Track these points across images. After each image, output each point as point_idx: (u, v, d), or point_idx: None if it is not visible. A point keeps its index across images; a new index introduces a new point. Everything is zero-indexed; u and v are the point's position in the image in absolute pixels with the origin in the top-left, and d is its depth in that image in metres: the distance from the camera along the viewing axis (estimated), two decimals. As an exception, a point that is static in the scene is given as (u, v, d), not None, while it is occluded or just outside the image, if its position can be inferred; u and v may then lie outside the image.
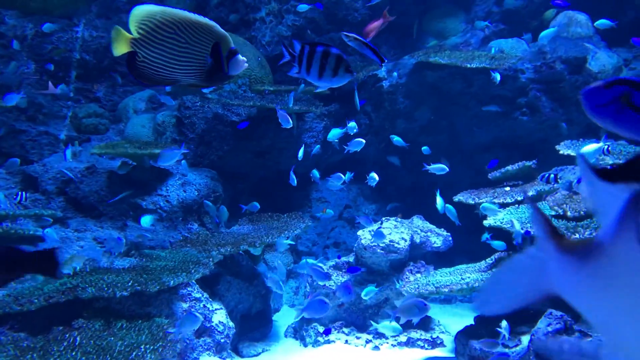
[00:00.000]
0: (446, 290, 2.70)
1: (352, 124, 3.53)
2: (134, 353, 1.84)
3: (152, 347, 1.90)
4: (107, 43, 4.64)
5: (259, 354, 3.26)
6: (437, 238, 3.51)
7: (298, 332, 3.50)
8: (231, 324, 2.90)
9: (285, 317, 3.79)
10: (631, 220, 0.49)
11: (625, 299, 0.52)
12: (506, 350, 2.42)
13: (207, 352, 2.73)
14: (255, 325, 3.50)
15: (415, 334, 3.26)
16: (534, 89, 4.10)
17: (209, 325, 2.78)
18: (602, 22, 3.83)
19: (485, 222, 2.88)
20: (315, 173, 3.59)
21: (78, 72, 4.55)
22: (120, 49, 1.45)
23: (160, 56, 1.45)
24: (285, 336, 3.53)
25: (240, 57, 1.54)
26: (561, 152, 2.89)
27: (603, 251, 0.54)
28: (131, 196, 3.48)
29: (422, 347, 3.23)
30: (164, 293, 2.54)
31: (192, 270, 2.27)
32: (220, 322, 2.82)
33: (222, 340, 2.83)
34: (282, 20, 4.90)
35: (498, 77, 3.76)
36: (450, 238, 3.56)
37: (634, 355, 0.54)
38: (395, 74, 4.42)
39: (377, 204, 4.70)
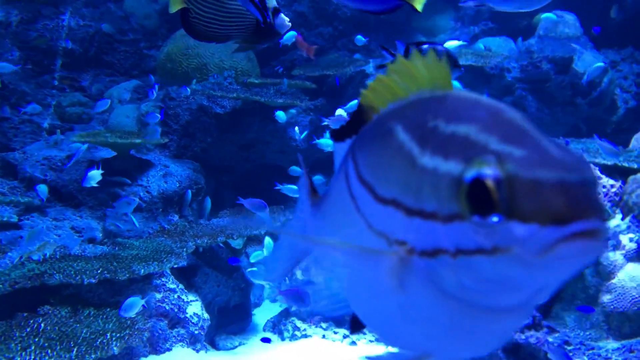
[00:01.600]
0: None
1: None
2: (99, 340, 1.82)
3: (118, 335, 1.88)
4: (94, 32, 4.61)
5: (236, 347, 3.25)
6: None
7: (277, 326, 3.49)
8: (206, 315, 2.88)
9: (265, 312, 3.77)
10: (344, 163, 0.57)
11: (334, 228, 0.60)
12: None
13: (181, 344, 2.71)
14: (233, 318, 3.49)
15: (393, 330, 3.25)
16: (519, 88, 4.09)
17: (183, 316, 2.76)
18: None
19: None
20: (296, 168, 3.57)
21: (64, 61, 4.51)
22: (175, 5, 1.51)
23: (211, 11, 1.52)
24: (264, 330, 3.51)
25: (283, 15, 1.57)
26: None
27: (326, 195, 0.63)
28: (111, 186, 3.46)
29: (399, 343, 3.22)
30: (136, 283, 2.52)
31: (164, 260, 2.25)
32: (195, 313, 2.80)
33: (197, 332, 2.81)
34: (271, 14, 4.88)
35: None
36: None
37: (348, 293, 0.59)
38: (381, 70, 4.41)
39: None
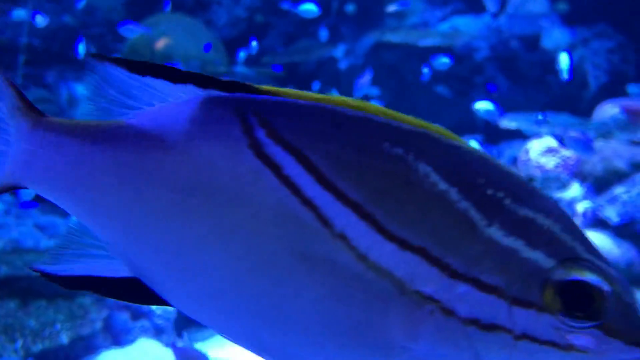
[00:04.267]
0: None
1: None
2: (48, 330, 1.76)
3: (68, 325, 1.82)
4: (56, 27, 4.52)
5: (207, 339, 3.20)
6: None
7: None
8: (172, 307, 2.81)
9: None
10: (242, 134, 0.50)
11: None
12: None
13: (145, 336, 2.65)
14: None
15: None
16: (489, 67, 4.06)
17: (147, 309, 2.70)
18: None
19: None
20: None
21: (26, 58, 4.42)
22: None
23: None
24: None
25: None
26: (504, 125, 2.85)
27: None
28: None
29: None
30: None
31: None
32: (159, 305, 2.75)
33: (162, 324, 2.76)
34: (239, 1, 4.82)
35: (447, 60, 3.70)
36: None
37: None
38: (351, 54, 4.36)
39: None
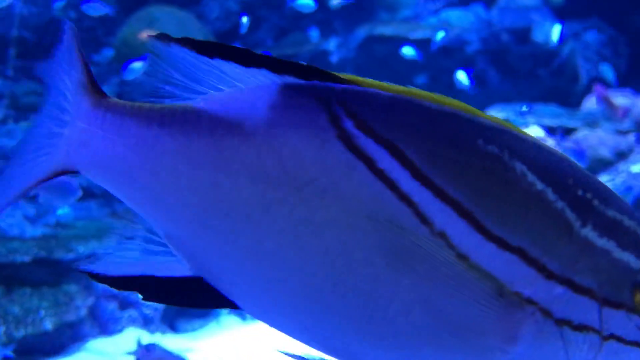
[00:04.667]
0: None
1: None
2: (31, 317, 1.76)
3: (53, 311, 1.82)
4: (48, 19, 4.51)
5: (196, 329, 3.21)
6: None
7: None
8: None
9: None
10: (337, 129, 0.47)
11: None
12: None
13: (133, 325, 2.66)
14: (196, 302, 3.44)
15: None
16: (480, 60, 4.06)
17: (135, 298, 2.70)
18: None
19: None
20: None
21: (17, 50, 4.41)
22: None
23: None
24: (228, 313, 3.48)
25: None
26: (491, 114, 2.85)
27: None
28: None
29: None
30: (80, 262, 2.45)
31: (105, 238, 2.19)
32: (148, 295, 2.75)
33: (150, 314, 2.76)
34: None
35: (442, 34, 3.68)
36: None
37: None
38: (343, 47, 4.36)
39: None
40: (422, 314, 0.44)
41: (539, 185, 0.45)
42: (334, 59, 4.42)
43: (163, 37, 0.46)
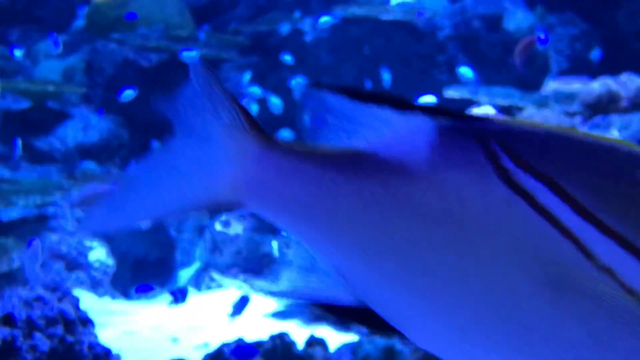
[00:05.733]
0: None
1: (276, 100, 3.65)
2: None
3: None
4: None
5: (149, 298, 3.22)
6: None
7: (196, 280, 3.47)
8: (111, 262, 2.83)
9: (192, 272, 3.74)
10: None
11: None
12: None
13: (80, 287, 2.67)
14: (152, 273, 3.45)
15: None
16: (452, 46, 4.07)
17: (83, 261, 2.72)
18: None
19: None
20: None
21: (-11, 15, 4.37)
22: None
23: None
24: (187, 284, 3.49)
25: None
26: (449, 94, 2.88)
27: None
28: (24, 137, 3.37)
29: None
30: (28, 223, 2.45)
31: (48, 194, 2.20)
32: (97, 259, 2.76)
33: (99, 277, 2.77)
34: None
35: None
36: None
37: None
38: (318, 28, 4.35)
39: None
40: (586, 352, 0.44)
41: None
42: (309, 38, 4.42)
43: (317, 84, 0.48)
